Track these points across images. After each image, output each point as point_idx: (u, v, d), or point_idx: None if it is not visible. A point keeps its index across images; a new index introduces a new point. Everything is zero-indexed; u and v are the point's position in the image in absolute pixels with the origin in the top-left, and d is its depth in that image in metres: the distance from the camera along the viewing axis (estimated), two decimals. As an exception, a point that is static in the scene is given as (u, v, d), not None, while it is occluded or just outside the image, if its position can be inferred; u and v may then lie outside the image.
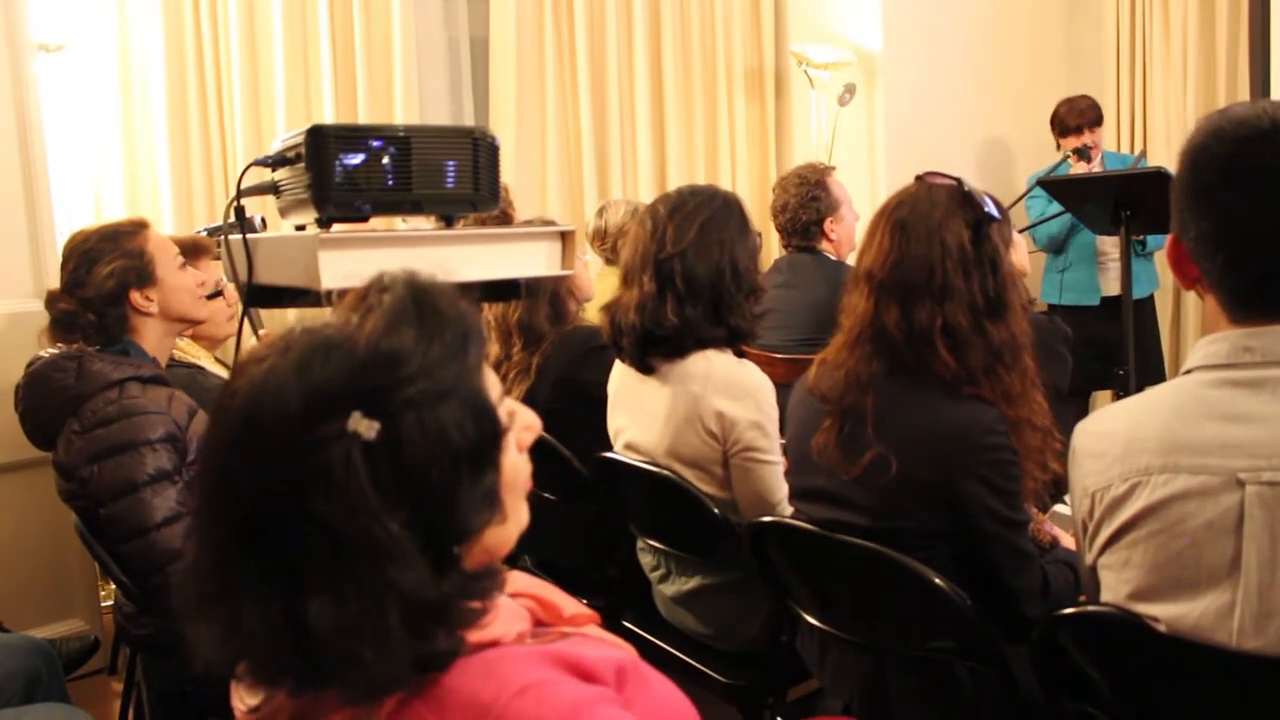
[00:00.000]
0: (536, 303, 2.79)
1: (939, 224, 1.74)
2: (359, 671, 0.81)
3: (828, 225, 3.47)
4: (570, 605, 1.07)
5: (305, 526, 0.80)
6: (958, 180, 1.80)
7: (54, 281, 2.34)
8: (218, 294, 2.72)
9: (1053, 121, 4.65)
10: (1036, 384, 1.79)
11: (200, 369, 2.81)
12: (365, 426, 0.81)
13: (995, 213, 1.76)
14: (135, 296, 2.23)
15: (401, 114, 4.26)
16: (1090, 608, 1.43)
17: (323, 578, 0.80)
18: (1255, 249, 1.26)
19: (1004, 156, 5.32)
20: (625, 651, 1.02)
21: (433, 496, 0.83)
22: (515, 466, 0.94)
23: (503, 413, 0.91)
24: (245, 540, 0.83)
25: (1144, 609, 1.31)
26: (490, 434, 0.88)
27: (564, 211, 4.71)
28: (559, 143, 4.78)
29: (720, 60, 5.10)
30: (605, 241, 4.01)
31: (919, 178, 1.85)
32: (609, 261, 3.95)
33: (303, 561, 0.81)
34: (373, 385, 0.82)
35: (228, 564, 0.83)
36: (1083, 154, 4.40)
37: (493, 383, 0.92)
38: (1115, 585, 1.36)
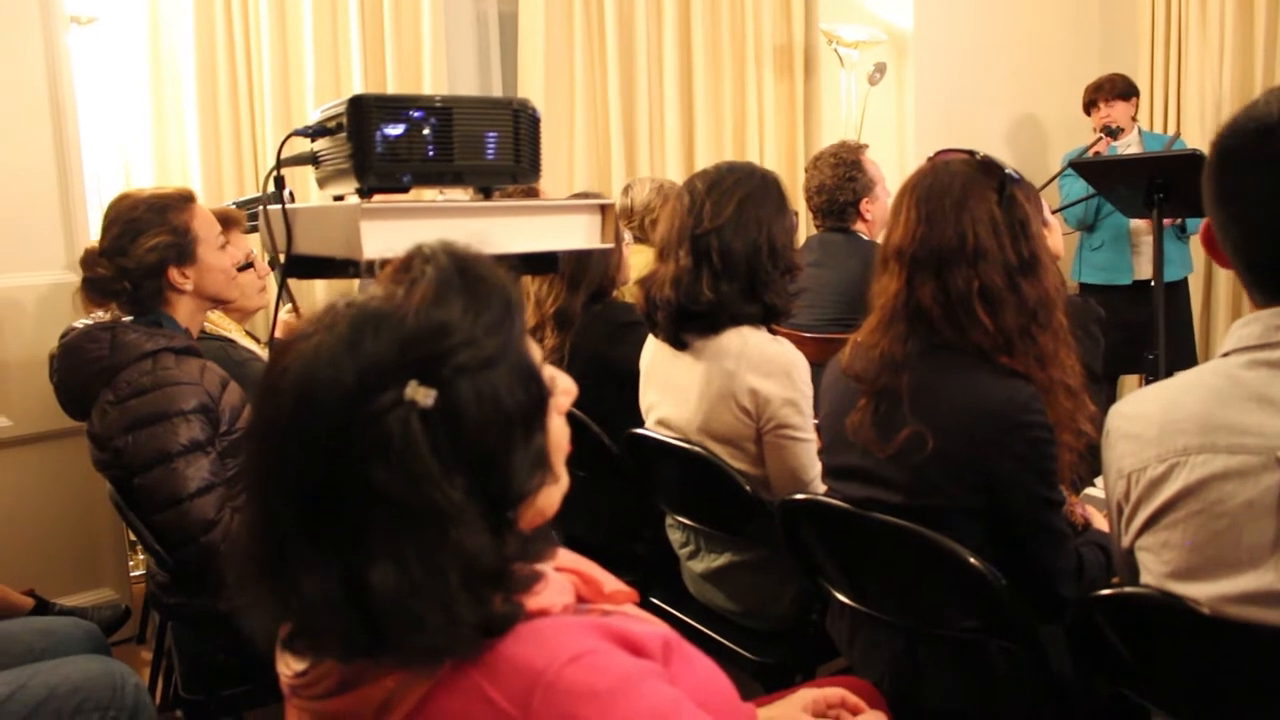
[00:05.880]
0: (577, 293, 2.79)
1: (964, 192, 1.74)
2: (421, 636, 0.82)
3: (864, 206, 3.45)
4: (611, 582, 1.08)
5: (366, 496, 0.81)
6: (971, 152, 1.82)
7: (87, 253, 2.35)
8: (248, 266, 2.72)
9: (1082, 101, 4.64)
10: (1069, 344, 1.78)
11: (231, 342, 2.82)
12: (422, 394, 0.82)
13: (1015, 175, 1.77)
14: (173, 273, 2.23)
15: (430, 88, 4.26)
16: (1129, 589, 1.42)
17: (385, 545, 0.81)
18: (1256, 238, 1.29)
19: (1036, 136, 5.27)
20: (665, 629, 1.02)
21: (490, 460, 0.85)
22: (559, 429, 0.96)
23: (546, 376, 0.93)
24: (303, 514, 0.83)
25: (1183, 589, 1.31)
26: (539, 397, 0.90)
27: (590, 188, 4.68)
28: (587, 119, 4.76)
29: (749, 38, 5.07)
30: (632, 219, 4.00)
31: (931, 158, 1.87)
32: (636, 239, 3.95)
33: (363, 531, 0.82)
34: (425, 354, 0.83)
35: (285, 537, 0.84)
36: (1109, 131, 4.36)
37: (535, 348, 0.93)
38: (1154, 566, 1.36)
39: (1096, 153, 4.34)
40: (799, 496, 1.97)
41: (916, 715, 1.83)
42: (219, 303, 2.44)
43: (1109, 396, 4.22)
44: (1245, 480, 1.24)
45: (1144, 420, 1.36)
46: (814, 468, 2.17)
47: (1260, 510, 1.23)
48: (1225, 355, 1.31)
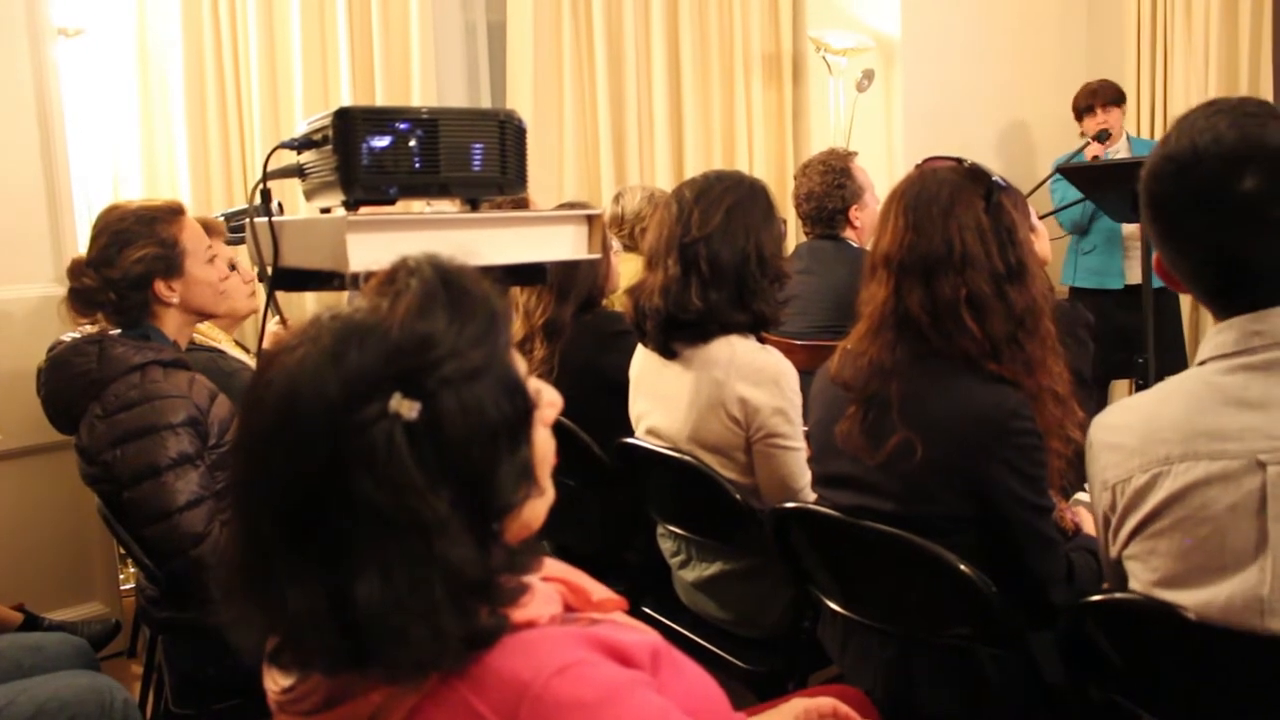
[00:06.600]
0: (565, 304, 2.79)
1: (951, 199, 1.74)
2: (407, 650, 0.81)
3: (853, 213, 3.46)
4: (598, 591, 1.08)
5: (350, 509, 0.81)
6: (958, 159, 1.83)
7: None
8: (231, 269, 2.71)
9: (1073, 107, 4.65)
10: (1056, 350, 1.79)
11: (221, 353, 2.81)
12: (406, 407, 0.82)
13: (1002, 182, 1.77)
14: (159, 286, 2.22)
15: (419, 98, 4.26)
16: (1119, 594, 1.42)
17: (369, 558, 0.81)
18: (1206, 268, 1.33)
19: (1025, 142, 5.28)
20: (654, 637, 1.02)
21: (474, 472, 0.85)
22: (544, 442, 0.96)
23: (531, 389, 0.93)
24: (288, 527, 0.83)
25: (1171, 596, 1.31)
26: (523, 409, 0.90)
27: (580, 198, 4.68)
28: (576, 128, 4.77)
29: (738, 46, 5.07)
30: (622, 228, 4.01)
31: (919, 165, 1.88)
32: (626, 248, 3.96)
33: (349, 544, 0.81)
34: (410, 367, 0.83)
35: (270, 551, 0.84)
36: (1100, 137, 4.37)
37: (520, 361, 0.93)
38: (1141, 575, 1.36)
39: (1095, 157, 4.35)
40: (790, 505, 1.97)
41: (908, 722, 1.83)
42: (206, 316, 2.43)
43: (1099, 402, 4.22)
44: (1228, 485, 1.25)
45: (1125, 431, 1.37)
46: (804, 476, 2.16)
47: (1243, 514, 1.24)
48: (1202, 364, 1.33)
